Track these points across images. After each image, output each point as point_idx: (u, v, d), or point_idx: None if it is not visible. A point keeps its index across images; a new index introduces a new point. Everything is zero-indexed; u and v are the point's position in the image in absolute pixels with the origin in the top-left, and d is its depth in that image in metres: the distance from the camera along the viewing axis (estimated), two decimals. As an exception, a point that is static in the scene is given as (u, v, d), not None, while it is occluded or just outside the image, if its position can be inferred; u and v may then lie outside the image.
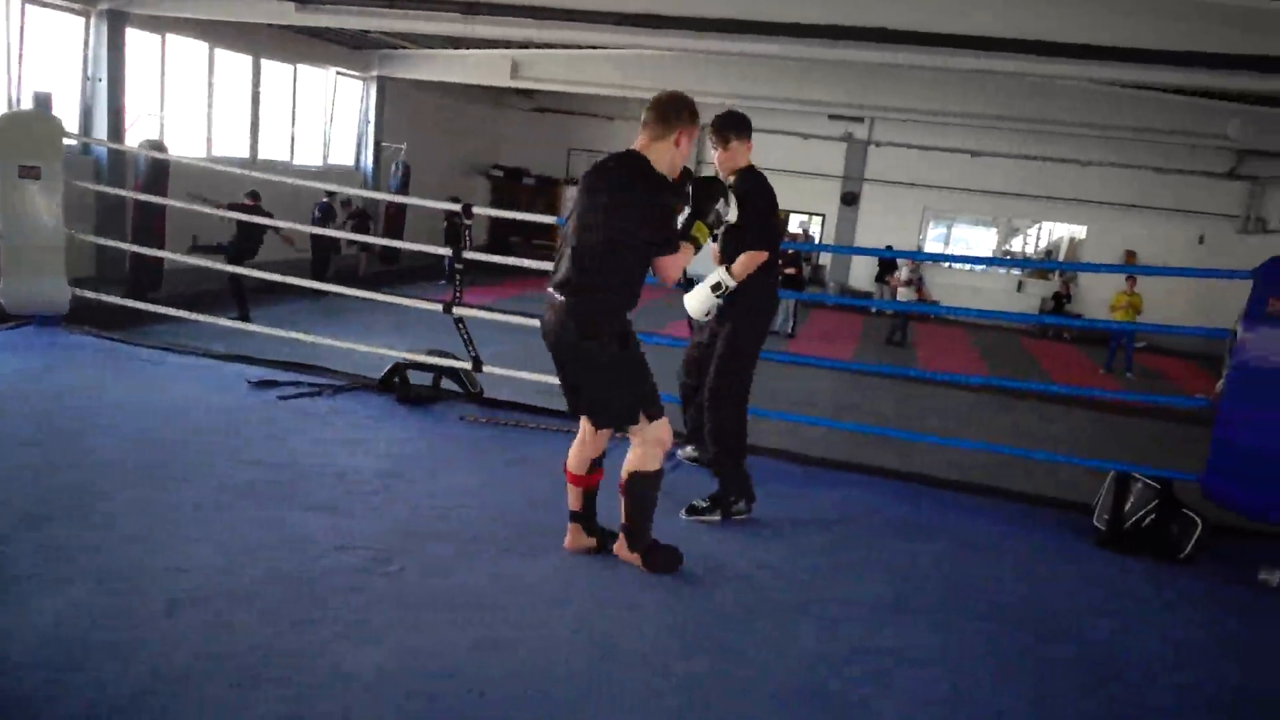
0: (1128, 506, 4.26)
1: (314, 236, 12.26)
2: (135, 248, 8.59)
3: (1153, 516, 4.19)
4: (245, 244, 10.35)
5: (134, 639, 2.63)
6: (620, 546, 3.45)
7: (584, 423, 3.45)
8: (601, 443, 3.48)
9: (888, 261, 17.64)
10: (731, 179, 4.01)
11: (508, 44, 14.27)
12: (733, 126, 4.05)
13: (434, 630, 2.86)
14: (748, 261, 3.88)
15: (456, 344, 5.58)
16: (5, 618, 2.68)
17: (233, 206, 9.79)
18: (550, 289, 3.27)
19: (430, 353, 5.64)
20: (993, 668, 3.02)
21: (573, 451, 3.47)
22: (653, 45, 10.71)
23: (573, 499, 3.50)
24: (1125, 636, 3.36)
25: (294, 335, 6.03)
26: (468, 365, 5.43)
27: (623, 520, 3.41)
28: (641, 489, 3.35)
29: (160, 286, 10.50)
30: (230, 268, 7.78)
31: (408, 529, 3.60)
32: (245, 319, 9.55)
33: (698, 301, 3.92)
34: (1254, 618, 3.71)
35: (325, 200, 13.39)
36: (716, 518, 3.99)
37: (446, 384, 5.51)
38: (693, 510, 4.01)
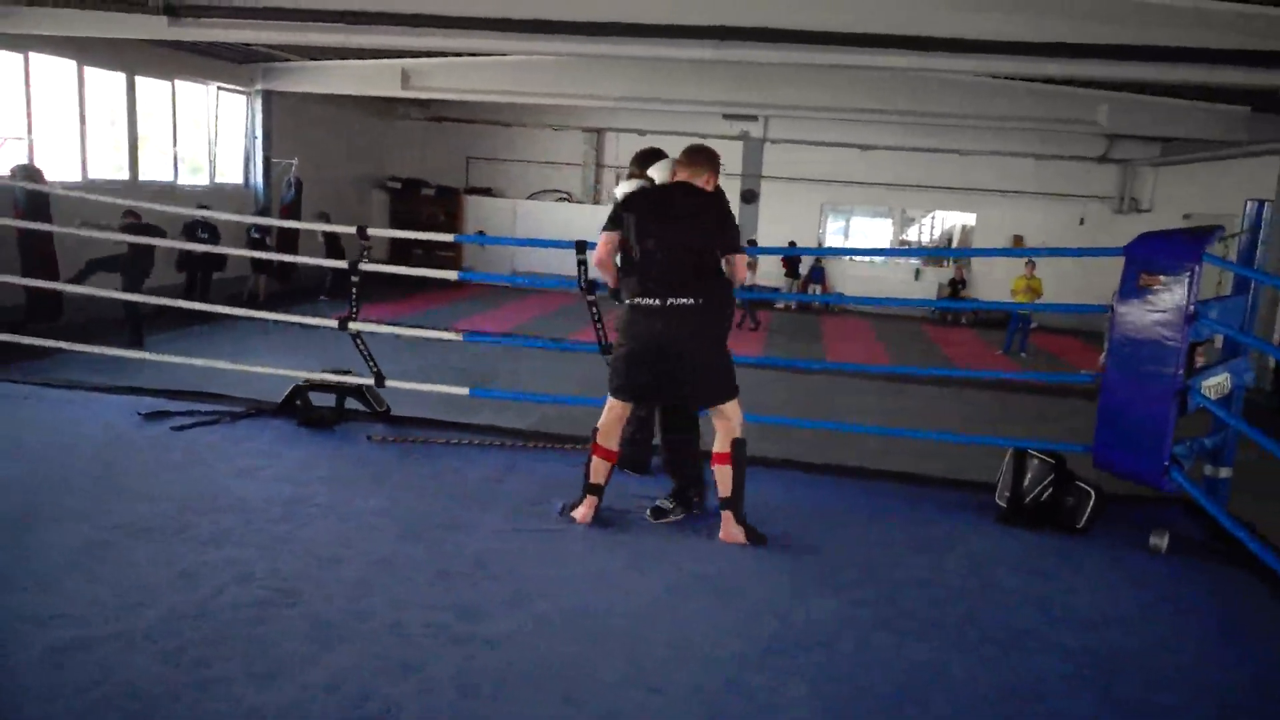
0: (1026, 482, 4.42)
1: (186, 256, 11.90)
2: (11, 279, 8.07)
3: (1050, 490, 4.35)
4: (139, 263, 9.94)
5: (15, 687, 2.47)
6: (727, 524, 3.83)
7: (623, 406, 3.93)
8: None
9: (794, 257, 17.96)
10: None
11: (398, 53, 14.00)
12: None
13: (344, 660, 2.77)
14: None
15: (359, 364, 5.43)
16: None
17: (123, 229, 9.39)
18: (651, 300, 3.75)
19: (334, 373, 5.47)
20: (892, 640, 3.09)
21: (610, 428, 3.92)
22: (545, 51, 10.66)
23: (603, 473, 3.93)
24: (1042, 609, 3.48)
25: (188, 361, 5.77)
26: (370, 381, 5.29)
27: (726, 494, 3.82)
28: (743, 454, 3.86)
29: (60, 316, 9.93)
30: (124, 295, 7.41)
31: (314, 556, 3.48)
32: (139, 344, 9.16)
33: None
34: (1145, 581, 3.88)
35: (200, 218, 12.72)
36: (681, 516, 4.14)
37: (352, 404, 5.36)
38: (658, 513, 4.10)
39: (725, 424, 3.84)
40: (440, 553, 3.60)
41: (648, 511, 4.11)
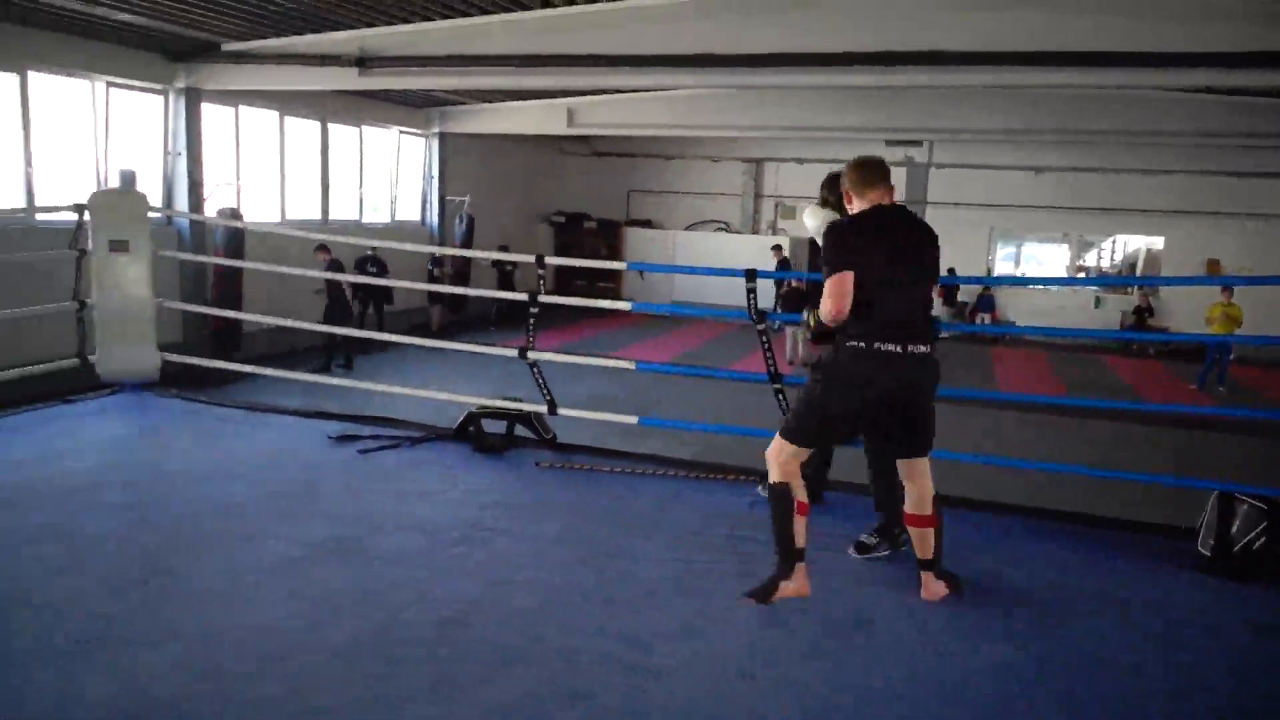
0: (1234, 529, 4.04)
1: (362, 287, 12.76)
2: (219, 311, 8.93)
3: (1264, 539, 3.96)
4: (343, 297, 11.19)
5: (219, 696, 2.69)
6: (929, 583, 3.56)
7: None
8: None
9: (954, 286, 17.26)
10: None
11: (563, 93, 14.54)
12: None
13: (517, 685, 2.84)
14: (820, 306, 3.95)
15: (526, 390, 5.62)
16: (110, 681, 2.75)
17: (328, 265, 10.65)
18: (894, 345, 3.31)
19: (505, 400, 5.70)
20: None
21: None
22: (705, 84, 10.80)
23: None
24: (1237, 671, 3.16)
25: (374, 387, 6.16)
26: (542, 409, 5.46)
27: (927, 555, 3.57)
28: (941, 512, 3.59)
29: (240, 348, 10.93)
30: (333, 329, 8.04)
31: (488, 580, 3.60)
32: (345, 369, 10.33)
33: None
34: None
35: (370, 252, 13.58)
36: (886, 552, 4.01)
37: (521, 431, 5.54)
38: (863, 548, 4.02)
39: (924, 480, 3.56)
40: (606, 580, 3.64)
41: (851, 547, 4.01)
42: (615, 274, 20.01)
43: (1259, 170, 16.92)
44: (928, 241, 3.50)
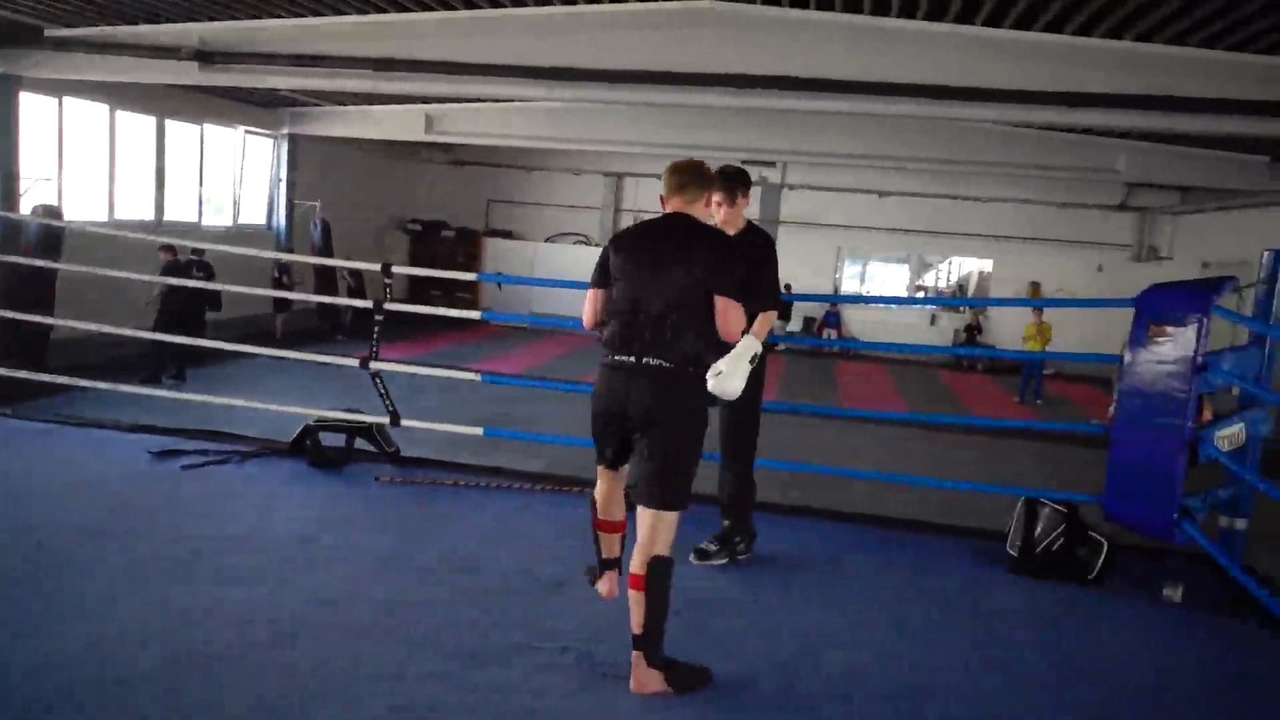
0: (1038, 531, 4.37)
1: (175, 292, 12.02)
2: (20, 315, 8.18)
3: (1061, 540, 4.30)
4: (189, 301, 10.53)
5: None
6: (638, 669, 2.93)
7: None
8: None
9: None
10: (733, 233, 3.96)
11: (422, 99, 14.27)
12: (742, 181, 4.07)
13: (342, 707, 2.75)
14: (767, 323, 3.72)
15: (372, 403, 5.47)
16: None
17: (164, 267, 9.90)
18: (621, 356, 3.00)
19: (345, 412, 5.52)
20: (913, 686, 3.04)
21: (605, 502, 3.21)
22: (566, 98, 10.84)
23: (614, 546, 3.25)
24: (1053, 660, 3.42)
25: (202, 399, 5.83)
26: (384, 421, 5.32)
27: (639, 628, 2.91)
28: (668, 579, 2.94)
29: (44, 356, 10.07)
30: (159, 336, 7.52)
31: (317, 599, 3.48)
32: (159, 380, 9.58)
33: (740, 378, 3.30)
34: (1163, 632, 3.81)
35: (194, 256, 12.79)
36: (724, 560, 4.07)
37: (361, 444, 5.38)
38: (703, 554, 4.06)
39: (651, 535, 2.93)
40: (444, 596, 3.58)
41: (691, 555, 4.05)
42: (474, 285, 19.74)
43: (1074, 201, 18.46)
44: (695, 259, 3.01)
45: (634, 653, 2.93)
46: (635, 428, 2.99)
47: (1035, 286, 18.93)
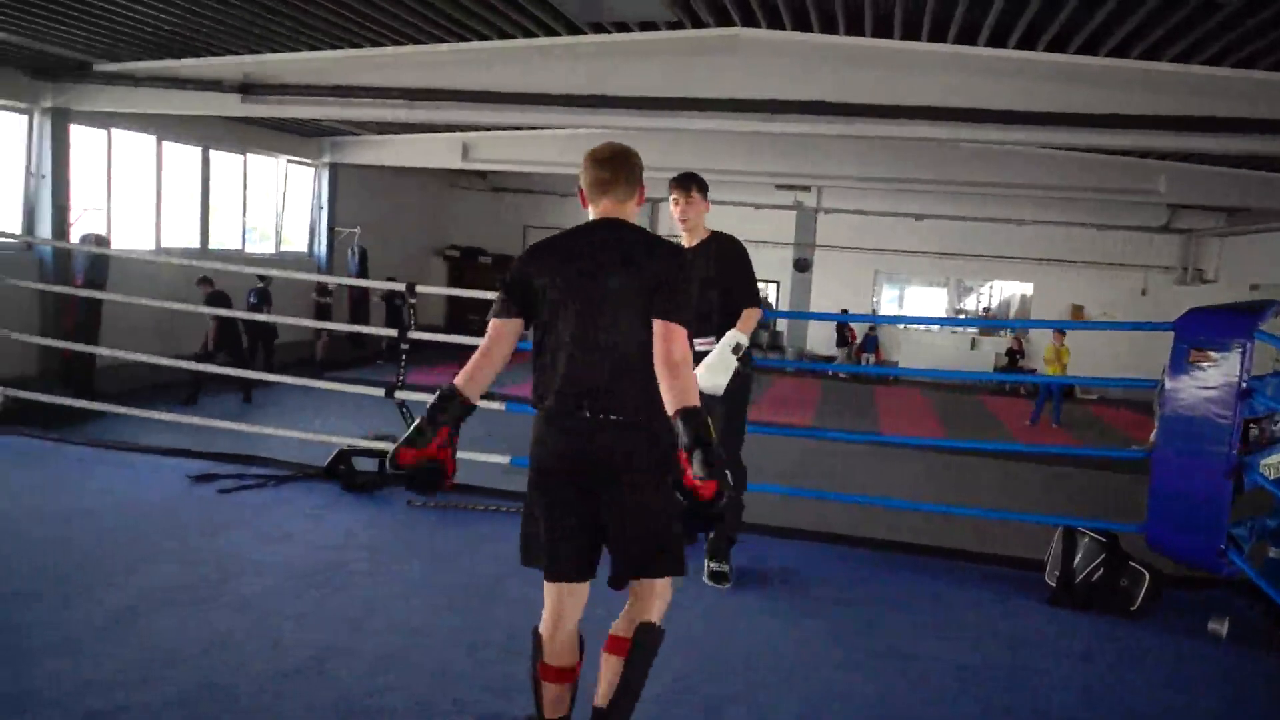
0: (1077, 561, 4.25)
1: (248, 323, 12.24)
2: (68, 345, 8.42)
3: (1102, 571, 4.18)
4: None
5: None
6: None
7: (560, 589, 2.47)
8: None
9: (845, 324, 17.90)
10: (703, 237, 3.98)
11: (459, 127, 14.48)
12: (697, 181, 4.01)
13: (366, 731, 2.75)
14: (753, 319, 3.76)
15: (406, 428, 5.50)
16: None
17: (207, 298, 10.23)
18: (569, 412, 2.40)
19: (377, 437, 5.57)
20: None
21: (551, 628, 2.48)
22: (601, 125, 10.95)
23: (563, 701, 2.52)
24: (1084, 696, 3.32)
25: (235, 426, 5.92)
26: (414, 449, 5.35)
27: (604, 701, 2.43)
28: (654, 653, 2.46)
29: (93, 383, 10.34)
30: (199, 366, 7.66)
31: (345, 624, 3.49)
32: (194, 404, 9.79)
33: (724, 371, 3.22)
34: (1206, 669, 3.68)
35: (260, 285, 13.17)
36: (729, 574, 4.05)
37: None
38: (718, 576, 4.01)
39: (648, 603, 2.46)
40: (471, 624, 3.57)
41: (706, 578, 4.02)
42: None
43: (1116, 223, 18.18)
44: (647, 277, 2.39)
45: None
46: (606, 495, 2.40)
47: (1078, 309, 18.64)
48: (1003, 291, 20.96)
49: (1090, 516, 4.64)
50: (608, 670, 2.45)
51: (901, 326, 20.01)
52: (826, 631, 3.76)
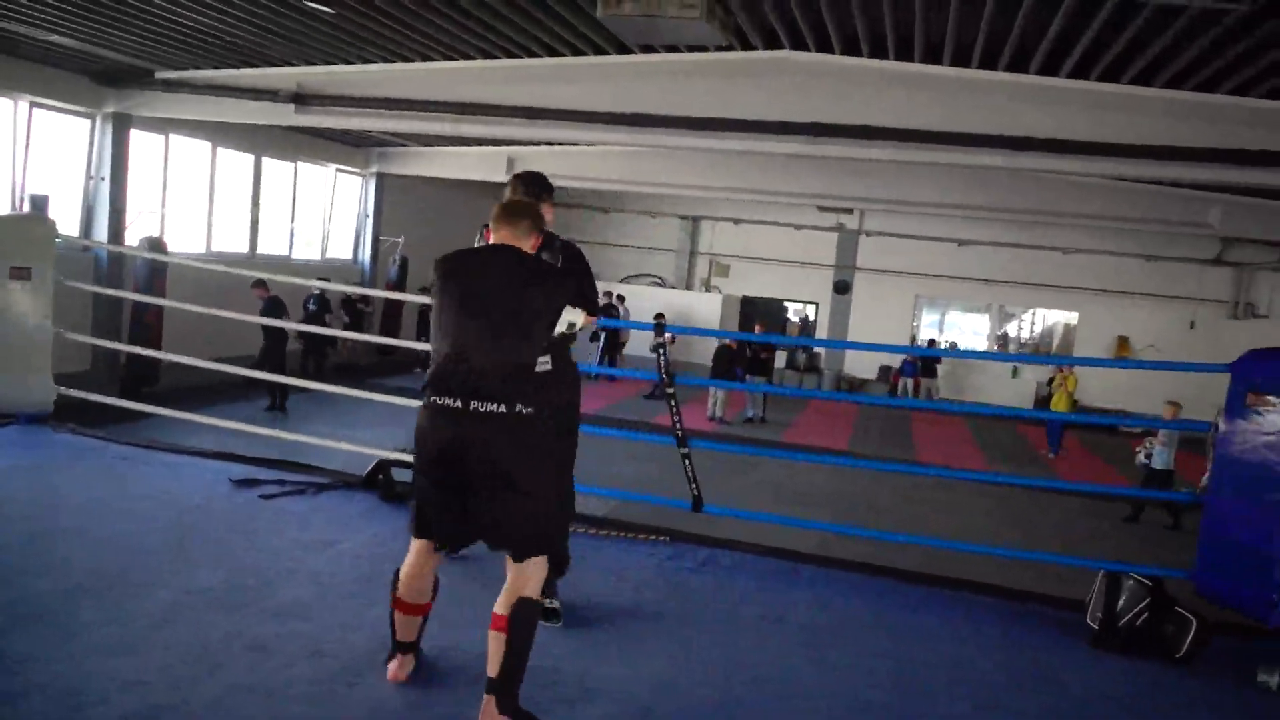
0: (1120, 605, 4.16)
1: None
2: (122, 346, 8.64)
3: (1146, 615, 4.09)
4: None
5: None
6: (487, 711, 2.78)
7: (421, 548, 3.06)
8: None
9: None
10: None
11: (505, 141, 14.64)
12: (540, 184, 3.74)
13: (399, 746, 2.76)
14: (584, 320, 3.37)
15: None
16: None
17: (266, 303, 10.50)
18: (449, 399, 2.83)
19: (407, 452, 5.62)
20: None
21: (415, 581, 3.08)
22: (646, 143, 11.02)
23: (412, 629, 3.15)
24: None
25: (278, 434, 6.00)
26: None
27: (495, 671, 2.79)
28: (534, 624, 2.88)
29: (157, 382, 10.60)
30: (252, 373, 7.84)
31: (383, 635, 3.50)
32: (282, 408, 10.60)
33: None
34: (1254, 722, 3.59)
35: (318, 293, 13.49)
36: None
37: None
38: (552, 615, 3.71)
39: (522, 579, 2.88)
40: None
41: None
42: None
43: (1165, 254, 17.85)
44: (533, 286, 2.94)
45: (485, 696, 2.79)
46: (481, 479, 2.83)
47: (1123, 341, 18.32)
48: (1046, 320, 20.67)
49: (1135, 559, 4.54)
50: (495, 645, 2.80)
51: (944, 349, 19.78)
52: (865, 667, 3.71)
